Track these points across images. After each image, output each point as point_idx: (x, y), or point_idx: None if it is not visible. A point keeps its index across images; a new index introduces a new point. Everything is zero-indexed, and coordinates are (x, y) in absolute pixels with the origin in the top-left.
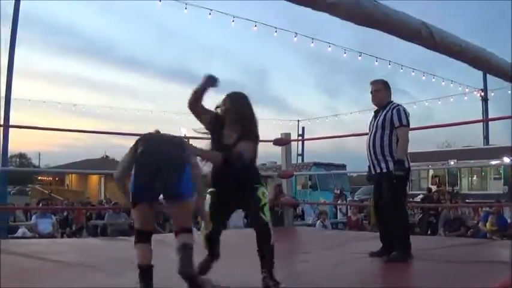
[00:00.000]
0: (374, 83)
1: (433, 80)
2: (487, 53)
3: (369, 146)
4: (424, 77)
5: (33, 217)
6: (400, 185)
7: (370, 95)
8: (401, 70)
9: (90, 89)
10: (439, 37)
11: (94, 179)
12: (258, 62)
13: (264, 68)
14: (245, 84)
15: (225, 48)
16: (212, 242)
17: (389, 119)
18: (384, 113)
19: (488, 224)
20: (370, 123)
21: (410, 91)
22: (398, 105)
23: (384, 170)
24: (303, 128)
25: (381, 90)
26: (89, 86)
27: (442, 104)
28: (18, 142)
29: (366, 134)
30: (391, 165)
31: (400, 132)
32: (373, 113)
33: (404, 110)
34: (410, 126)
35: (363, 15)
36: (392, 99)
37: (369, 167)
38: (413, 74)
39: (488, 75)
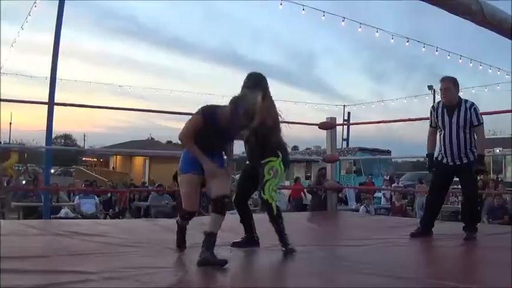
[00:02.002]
0: (444, 80)
1: (480, 67)
2: None
3: (451, 143)
4: (471, 64)
5: (76, 197)
6: (477, 177)
7: (440, 93)
8: (449, 57)
9: (136, 71)
10: (490, 13)
11: (139, 160)
12: (306, 46)
13: (311, 52)
14: (291, 68)
15: (272, 31)
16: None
17: (469, 119)
18: (461, 113)
19: None
20: (442, 116)
21: (457, 78)
22: (472, 103)
23: (465, 161)
24: (349, 113)
25: (450, 89)
26: (135, 68)
27: (488, 91)
28: (64, 123)
29: (411, 120)
30: (471, 157)
31: (480, 130)
32: (442, 109)
33: (478, 108)
34: None
35: None
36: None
37: (442, 157)
38: (460, 61)
39: None
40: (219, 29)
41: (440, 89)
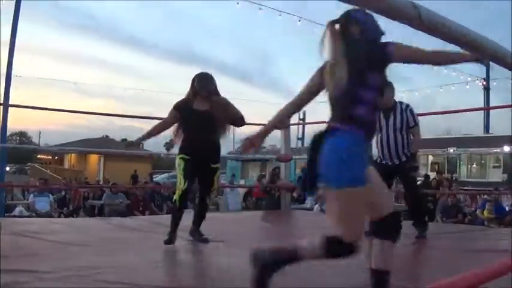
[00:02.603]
0: None
1: (435, 67)
2: (485, 39)
3: (388, 145)
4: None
5: (31, 196)
6: (415, 173)
7: None
8: None
9: (94, 68)
10: (427, 18)
11: (94, 158)
12: (262, 45)
13: (268, 52)
14: (248, 67)
15: (229, 30)
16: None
17: (406, 121)
18: (397, 115)
19: (485, 212)
20: (379, 120)
21: (412, 78)
22: (407, 105)
23: (403, 159)
24: (304, 112)
25: (386, 92)
26: (93, 65)
27: (443, 92)
28: (19, 120)
29: None
30: (406, 158)
31: (416, 131)
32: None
33: (413, 109)
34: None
35: None
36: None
37: (379, 158)
38: None
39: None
40: (177, 27)
41: None
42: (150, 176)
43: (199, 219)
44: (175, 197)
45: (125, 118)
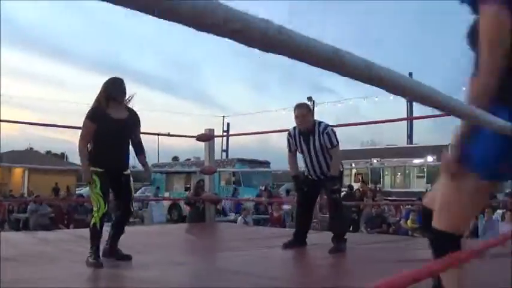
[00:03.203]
0: (299, 108)
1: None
2: (405, 80)
3: (312, 165)
4: None
5: None
6: (337, 195)
7: (296, 119)
8: None
9: (16, 79)
10: (352, 65)
11: (18, 171)
12: (188, 54)
13: (192, 61)
14: (172, 78)
15: (154, 39)
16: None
17: (324, 144)
18: (316, 138)
19: (409, 222)
20: (300, 143)
21: (336, 89)
22: (325, 127)
23: (328, 175)
24: (228, 124)
25: (307, 115)
26: (15, 75)
27: (367, 103)
28: None
29: (287, 130)
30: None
31: (333, 152)
32: (299, 136)
33: (333, 130)
34: (334, 124)
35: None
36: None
37: (307, 174)
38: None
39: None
40: (100, 37)
41: (297, 116)
42: (67, 190)
43: (118, 234)
44: (95, 220)
45: (48, 130)
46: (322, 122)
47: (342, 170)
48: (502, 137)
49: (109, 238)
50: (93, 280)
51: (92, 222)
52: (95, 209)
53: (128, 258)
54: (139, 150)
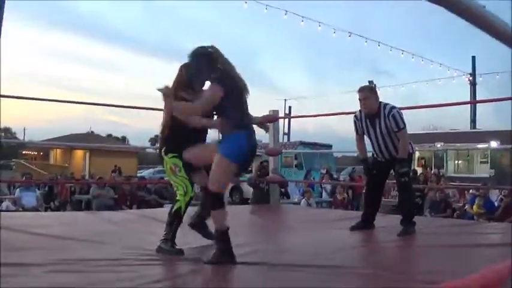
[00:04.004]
0: (362, 90)
1: (422, 62)
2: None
3: (379, 148)
4: (413, 59)
5: (17, 190)
6: (407, 178)
7: (360, 103)
8: (391, 52)
9: (77, 64)
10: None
11: (79, 154)
12: (247, 40)
13: (252, 47)
14: (232, 62)
15: (213, 25)
16: None
17: (390, 127)
18: (382, 122)
19: (475, 207)
20: (366, 126)
21: (398, 73)
22: (390, 110)
23: (394, 155)
24: (290, 108)
25: (369, 98)
26: (76, 61)
27: (429, 86)
28: (3, 116)
29: (351, 113)
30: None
31: (401, 135)
32: (365, 119)
33: (398, 112)
34: (400, 106)
35: None
36: (380, 100)
37: (375, 156)
38: (402, 55)
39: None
40: (159, 23)
41: (360, 100)
42: (118, 171)
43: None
44: (180, 204)
45: (110, 115)
46: (387, 104)
47: (411, 152)
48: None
49: (198, 214)
50: (157, 259)
51: (176, 207)
52: (180, 192)
53: (212, 236)
54: None
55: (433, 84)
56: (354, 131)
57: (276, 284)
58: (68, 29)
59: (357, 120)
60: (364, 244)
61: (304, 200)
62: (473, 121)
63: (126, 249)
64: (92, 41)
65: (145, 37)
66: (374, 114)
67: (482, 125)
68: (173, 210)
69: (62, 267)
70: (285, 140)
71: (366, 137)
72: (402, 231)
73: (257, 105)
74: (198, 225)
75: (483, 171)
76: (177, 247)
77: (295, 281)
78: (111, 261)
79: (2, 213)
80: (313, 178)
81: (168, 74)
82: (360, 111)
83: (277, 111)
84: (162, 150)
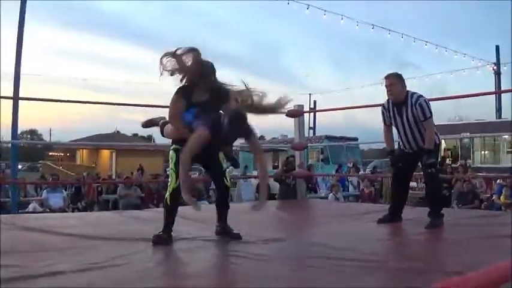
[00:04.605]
0: (388, 77)
1: (446, 53)
2: None
3: (406, 137)
4: (436, 50)
5: (44, 192)
6: (434, 169)
7: (385, 89)
8: (414, 43)
9: (100, 64)
10: None
11: (105, 154)
12: (270, 35)
13: (275, 41)
14: (255, 58)
15: (235, 21)
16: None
17: (417, 116)
18: (409, 110)
19: (502, 197)
20: (393, 115)
21: (422, 64)
22: (417, 98)
23: (422, 146)
24: (315, 102)
25: (395, 84)
26: (98, 61)
27: (454, 77)
28: (29, 118)
29: (376, 105)
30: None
31: (427, 124)
32: (392, 108)
33: (426, 101)
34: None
35: None
36: (407, 89)
37: (402, 147)
38: (426, 47)
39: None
40: (180, 20)
41: (386, 86)
42: (141, 170)
43: (223, 212)
44: (167, 195)
45: (135, 113)
46: (415, 93)
47: (438, 142)
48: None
49: (218, 219)
50: (185, 258)
51: (165, 197)
52: (168, 183)
53: (238, 237)
54: None
55: (457, 75)
56: (382, 122)
57: (303, 277)
58: (89, 29)
59: (385, 109)
60: (391, 237)
61: (331, 194)
62: (498, 111)
63: (152, 247)
64: (114, 41)
65: (167, 35)
66: (401, 103)
67: (508, 114)
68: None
69: (90, 267)
70: (311, 134)
71: (393, 129)
72: (430, 224)
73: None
74: (222, 232)
75: (510, 161)
76: (166, 237)
77: (322, 275)
78: (136, 261)
79: (29, 214)
80: (344, 173)
81: None
82: (388, 100)
83: (302, 106)
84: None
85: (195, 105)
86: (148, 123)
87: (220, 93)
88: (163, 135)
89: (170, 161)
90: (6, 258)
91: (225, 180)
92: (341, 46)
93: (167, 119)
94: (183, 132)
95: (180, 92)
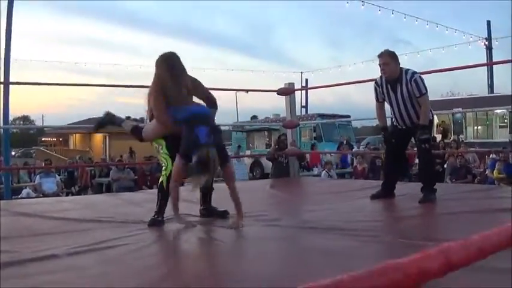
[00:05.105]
0: (381, 56)
1: (437, 28)
2: None
3: (400, 114)
4: (427, 26)
5: (37, 177)
6: (428, 145)
7: (380, 68)
8: (405, 19)
9: (91, 47)
10: None
11: (98, 138)
12: (261, 13)
13: (266, 20)
14: (248, 39)
15: (227, 2)
16: None
17: (412, 92)
18: (403, 87)
19: (495, 172)
20: (387, 92)
21: (413, 41)
22: (412, 75)
23: (415, 122)
24: (306, 80)
25: (389, 63)
26: (90, 44)
27: (446, 53)
28: (21, 104)
29: (369, 80)
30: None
31: (422, 100)
32: (386, 85)
33: (420, 77)
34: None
35: None
36: (401, 66)
37: (395, 122)
38: (416, 23)
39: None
40: (172, 2)
41: (379, 65)
42: (131, 153)
43: (207, 194)
44: (162, 178)
45: (128, 97)
46: (409, 69)
47: (431, 118)
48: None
49: (202, 201)
50: (179, 238)
51: (159, 181)
52: (163, 168)
53: (225, 214)
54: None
55: (449, 51)
56: (374, 98)
57: (294, 244)
58: (81, 13)
59: (378, 86)
60: (384, 212)
61: (324, 171)
62: (490, 86)
63: (146, 230)
64: (106, 24)
65: (159, 17)
66: (395, 80)
67: (499, 89)
68: (158, 185)
69: (83, 250)
70: (303, 113)
71: (386, 105)
72: (423, 198)
73: (273, 79)
74: (207, 214)
75: (502, 135)
76: (160, 219)
77: (315, 244)
78: (134, 242)
79: (22, 200)
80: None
81: (184, 53)
82: (381, 77)
83: (293, 84)
84: None
85: (172, 98)
86: (101, 125)
87: (194, 84)
88: (141, 139)
89: (158, 146)
90: None
91: None
92: (332, 24)
93: (134, 123)
94: (173, 128)
95: (159, 90)
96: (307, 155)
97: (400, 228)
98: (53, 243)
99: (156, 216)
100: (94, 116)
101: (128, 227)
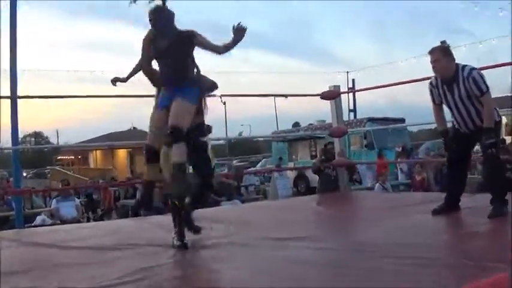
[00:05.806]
0: (432, 52)
1: (501, 14)
2: None
3: (461, 116)
4: (488, 12)
5: (53, 201)
6: (493, 150)
7: (432, 66)
8: (462, 6)
9: (108, 53)
10: None
11: (121, 153)
12: (300, 9)
13: (305, 16)
14: (284, 36)
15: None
16: None
17: (471, 91)
18: (461, 86)
19: None
20: (443, 93)
21: (474, 30)
22: (469, 72)
23: (479, 125)
24: (353, 80)
25: (440, 60)
26: (107, 50)
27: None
28: (32, 120)
29: (423, 79)
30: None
31: (484, 100)
32: (442, 85)
33: (479, 73)
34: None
35: None
36: (457, 62)
37: (458, 127)
38: (476, 9)
39: None
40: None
41: (431, 62)
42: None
43: (192, 205)
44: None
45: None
46: (466, 65)
47: (498, 119)
48: None
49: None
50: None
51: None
52: None
53: (197, 230)
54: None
55: None
56: (431, 101)
57: (345, 269)
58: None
59: (433, 87)
60: (448, 230)
61: (378, 184)
62: None
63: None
64: (124, 27)
65: (184, 15)
66: (451, 79)
67: None
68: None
69: (111, 283)
70: (352, 117)
71: (445, 107)
72: (493, 212)
73: (316, 81)
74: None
75: None
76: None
77: (369, 278)
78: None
79: (36, 228)
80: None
81: (209, 54)
82: (435, 77)
83: (338, 86)
84: None
85: (157, 50)
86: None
87: (181, 37)
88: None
89: None
90: (14, 278)
91: (210, 177)
92: (380, 16)
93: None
94: (152, 73)
95: (147, 37)
96: (373, 165)
97: (464, 249)
98: (72, 277)
99: (176, 239)
100: (115, 131)
101: (157, 257)
